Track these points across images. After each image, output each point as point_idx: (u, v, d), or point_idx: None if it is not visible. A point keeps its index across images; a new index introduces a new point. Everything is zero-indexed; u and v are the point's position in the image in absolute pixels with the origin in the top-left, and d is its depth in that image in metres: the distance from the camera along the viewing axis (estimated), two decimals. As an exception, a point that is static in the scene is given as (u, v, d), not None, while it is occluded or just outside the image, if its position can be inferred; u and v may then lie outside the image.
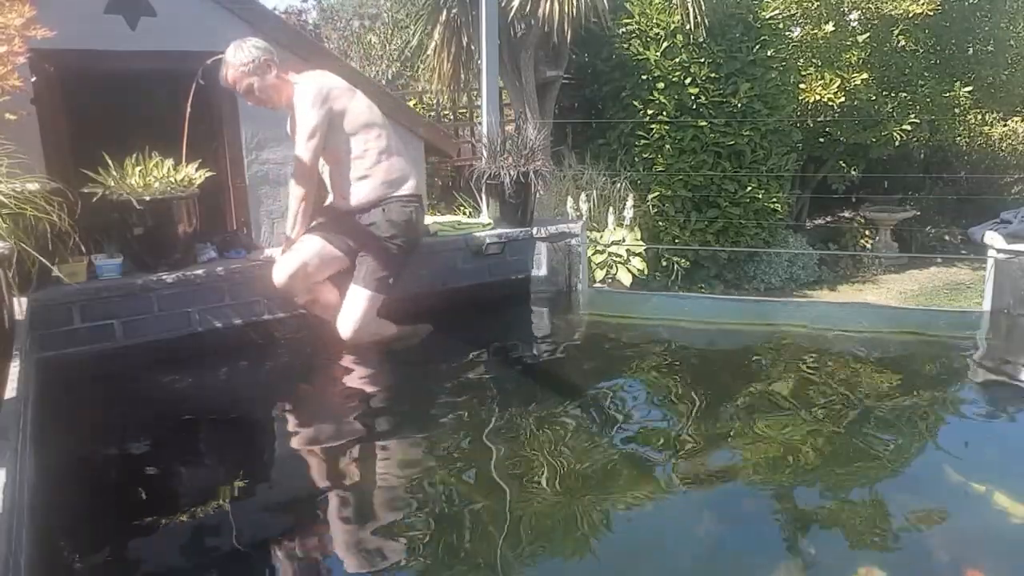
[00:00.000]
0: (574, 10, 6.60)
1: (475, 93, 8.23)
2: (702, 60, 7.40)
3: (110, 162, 2.95)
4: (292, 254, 3.07)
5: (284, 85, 3.04)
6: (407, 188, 3.16)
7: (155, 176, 2.99)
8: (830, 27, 8.23)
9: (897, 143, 8.74)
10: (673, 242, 7.62)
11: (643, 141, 7.58)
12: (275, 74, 3.01)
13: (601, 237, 6.42)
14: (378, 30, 10.95)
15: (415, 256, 3.32)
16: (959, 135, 9.83)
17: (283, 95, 3.05)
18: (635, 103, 7.52)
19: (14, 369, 1.87)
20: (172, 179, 3.01)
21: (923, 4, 8.10)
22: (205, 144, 3.82)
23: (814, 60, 8.47)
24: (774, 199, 8.00)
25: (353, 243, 3.14)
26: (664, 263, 7.61)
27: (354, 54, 10.68)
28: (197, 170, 3.12)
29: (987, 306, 3.66)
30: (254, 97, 3.05)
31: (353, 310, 3.08)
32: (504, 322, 3.88)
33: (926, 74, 8.82)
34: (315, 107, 2.94)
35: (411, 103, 8.25)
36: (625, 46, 7.52)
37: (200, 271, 3.14)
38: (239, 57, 2.97)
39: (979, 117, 9.86)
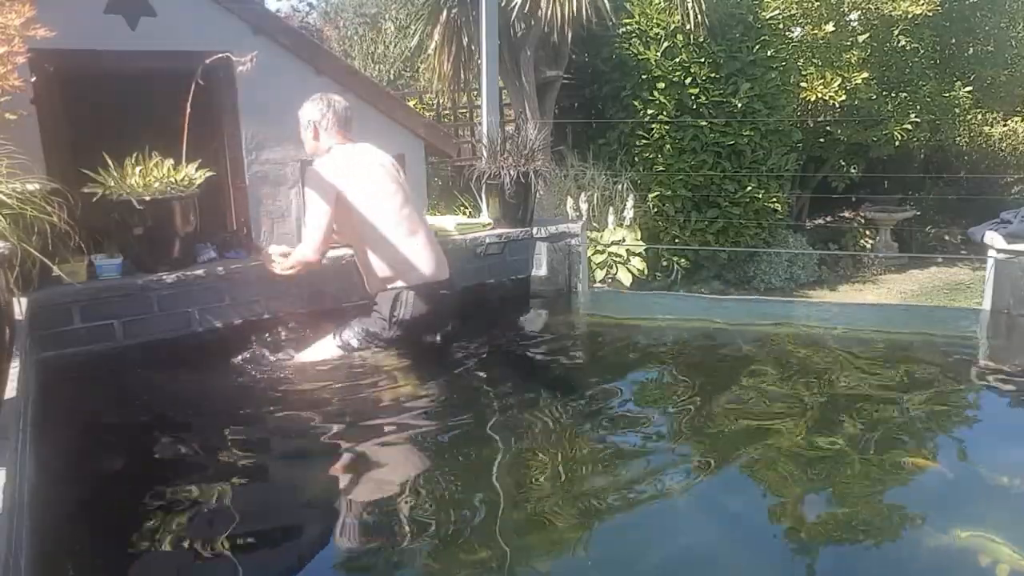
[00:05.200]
0: (574, 10, 6.60)
1: (475, 93, 8.23)
2: (702, 60, 7.40)
3: (110, 162, 2.95)
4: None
5: (317, 148, 3.22)
6: (404, 279, 3.15)
7: (155, 176, 2.99)
8: (830, 27, 8.23)
9: (897, 143, 8.74)
10: (673, 242, 7.62)
11: (643, 141, 7.58)
12: (312, 134, 3.22)
13: (601, 237, 6.42)
14: (381, 30, 10.96)
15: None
16: (959, 135, 9.83)
17: (315, 154, 3.24)
18: (635, 103, 7.52)
19: (14, 369, 1.87)
20: (172, 179, 3.01)
21: (923, 4, 8.10)
22: (205, 144, 3.82)
23: (814, 60, 8.47)
24: (774, 199, 8.00)
25: None
26: (664, 263, 7.61)
27: (356, 54, 10.68)
28: (197, 170, 3.12)
29: (987, 306, 3.66)
30: (302, 140, 3.31)
31: (316, 355, 3.13)
32: (504, 322, 3.87)
33: (927, 74, 8.82)
34: (321, 181, 3.03)
35: (411, 103, 8.25)
36: (625, 46, 7.52)
37: (200, 271, 3.13)
38: (301, 108, 3.25)
39: (979, 117, 9.86)
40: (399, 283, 3.12)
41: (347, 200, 3.05)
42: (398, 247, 3.12)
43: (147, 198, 2.94)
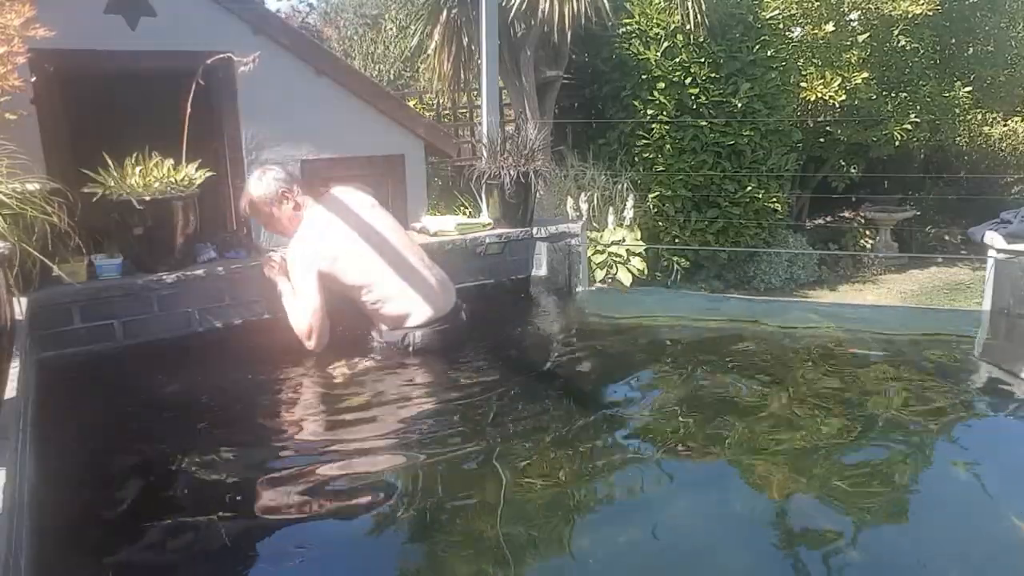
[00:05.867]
0: (574, 10, 6.61)
1: (475, 93, 8.24)
2: (702, 60, 7.41)
3: (110, 162, 2.95)
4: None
5: (296, 219, 3.09)
6: (409, 322, 3.11)
7: (155, 176, 2.98)
8: (830, 27, 8.24)
9: (897, 143, 8.75)
10: (673, 242, 7.62)
11: (643, 141, 7.59)
12: (291, 205, 3.07)
13: (601, 237, 6.43)
14: (381, 30, 10.96)
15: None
16: (959, 135, 9.84)
17: (296, 226, 3.11)
18: (635, 103, 7.53)
19: (14, 369, 1.87)
20: (172, 179, 3.01)
21: (923, 4, 8.11)
22: (205, 144, 3.82)
23: (814, 60, 8.48)
24: (774, 199, 8.01)
25: None
26: (664, 263, 7.62)
27: (356, 54, 10.68)
28: (197, 170, 3.11)
29: (987, 306, 3.66)
30: (271, 226, 3.16)
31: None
32: (503, 322, 3.87)
33: (927, 74, 8.83)
34: (306, 276, 2.97)
35: (411, 103, 8.26)
36: (625, 46, 7.53)
37: (200, 271, 3.13)
38: (259, 189, 3.07)
39: (979, 117, 9.87)
40: (408, 323, 3.09)
41: (337, 270, 3.01)
42: (401, 286, 3.07)
43: (147, 198, 2.93)
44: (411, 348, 3.08)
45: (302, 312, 3.00)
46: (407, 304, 3.10)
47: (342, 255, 3.03)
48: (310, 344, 3.01)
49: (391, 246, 3.14)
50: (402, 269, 3.12)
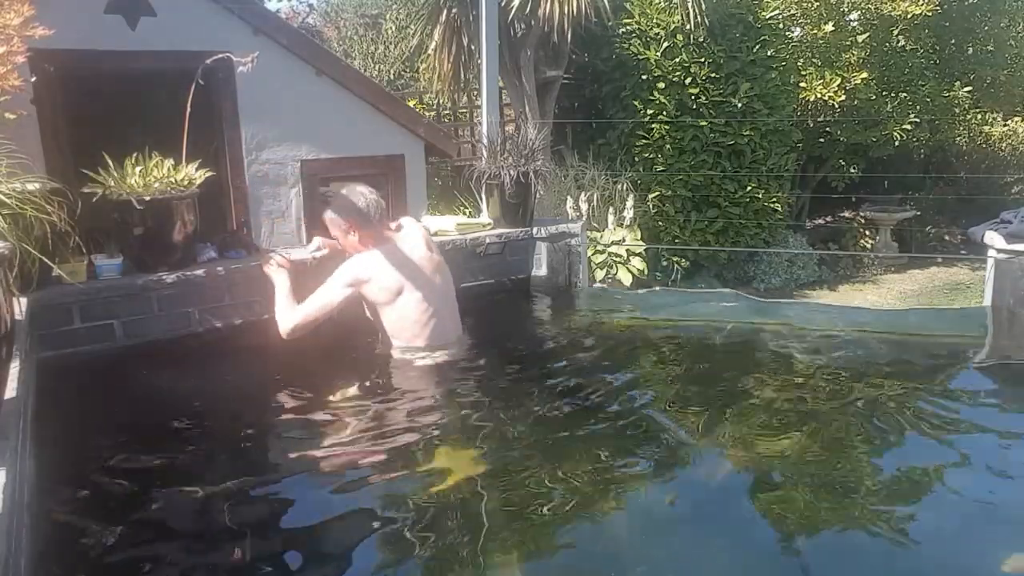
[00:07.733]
0: (574, 10, 6.61)
1: (475, 93, 8.24)
2: (702, 60, 7.41)
3: (110, 162, 2.95)
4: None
5: (361, 248, 3.15)
6: (418, 362, 3.16)
7: (155, 176, 2.98)
8: (830, 27, 8.24)
9: (897, 143, 8.75)
10: (673, 242, 7.63)
11: (643, 141, 7.59)
12: (356, 237, 3.14)
13: (601, 237, 6.43)
14: (381, 30, 10.97)
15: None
16: (959, 135, 9.85)
17: (360, 251, 3.16)
18: (635, 103, 7.53)
19: (14, 369, 1.87)
20: (172, 179, 3.01)
21: (922, 4, 8.12)
22: (205, 144, 3.82)
23: (814, 60, 8.48)
24: (774, 199, 8.01)
25: None
26: (664, 263, 7.62)
27: (356, 54, 10.68)
28: (197, 170, 3.11)
29: (987, 306, 3.66)
30: (340, 244, 3.25)
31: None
32: (503, 322, 3.87)
33: (926, 74, 8.84)
34: (341, 285, 3.03)
35: (411, 103, 8.26)
36: (625, 46, 7.53)
37: (200, 271, 3.13)
38: (330, 212, 3.19)
39: (979, 117, 9.88)
40: (416, 363, 3.15)
41: (372, 297, 3.08)
42: (429, 340, 3.15)
43: (147, 198, 2.93)
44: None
45: (304, 307, 3.02)
46: (425, 353, 3.17)
47: (394, 296, 3.09)
48: (286, 334, 3.02)
49: (436, 301, 3.18)
50: (434, 325, 3.17)
